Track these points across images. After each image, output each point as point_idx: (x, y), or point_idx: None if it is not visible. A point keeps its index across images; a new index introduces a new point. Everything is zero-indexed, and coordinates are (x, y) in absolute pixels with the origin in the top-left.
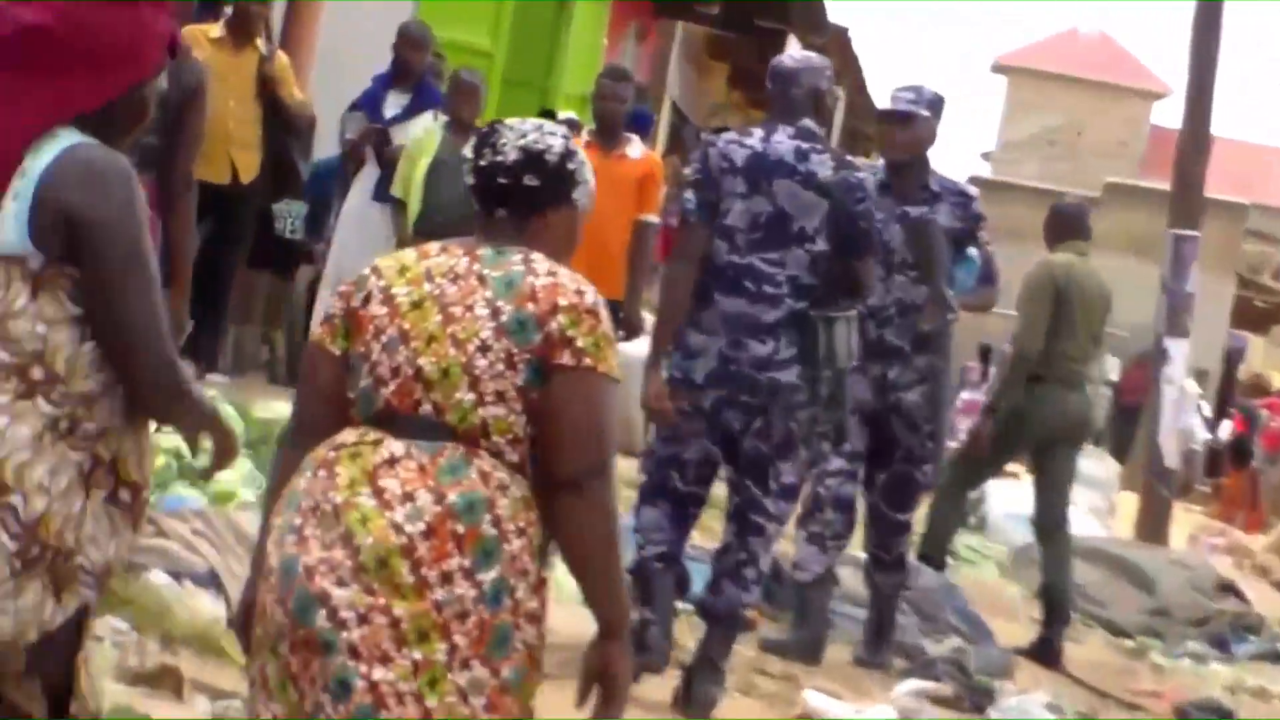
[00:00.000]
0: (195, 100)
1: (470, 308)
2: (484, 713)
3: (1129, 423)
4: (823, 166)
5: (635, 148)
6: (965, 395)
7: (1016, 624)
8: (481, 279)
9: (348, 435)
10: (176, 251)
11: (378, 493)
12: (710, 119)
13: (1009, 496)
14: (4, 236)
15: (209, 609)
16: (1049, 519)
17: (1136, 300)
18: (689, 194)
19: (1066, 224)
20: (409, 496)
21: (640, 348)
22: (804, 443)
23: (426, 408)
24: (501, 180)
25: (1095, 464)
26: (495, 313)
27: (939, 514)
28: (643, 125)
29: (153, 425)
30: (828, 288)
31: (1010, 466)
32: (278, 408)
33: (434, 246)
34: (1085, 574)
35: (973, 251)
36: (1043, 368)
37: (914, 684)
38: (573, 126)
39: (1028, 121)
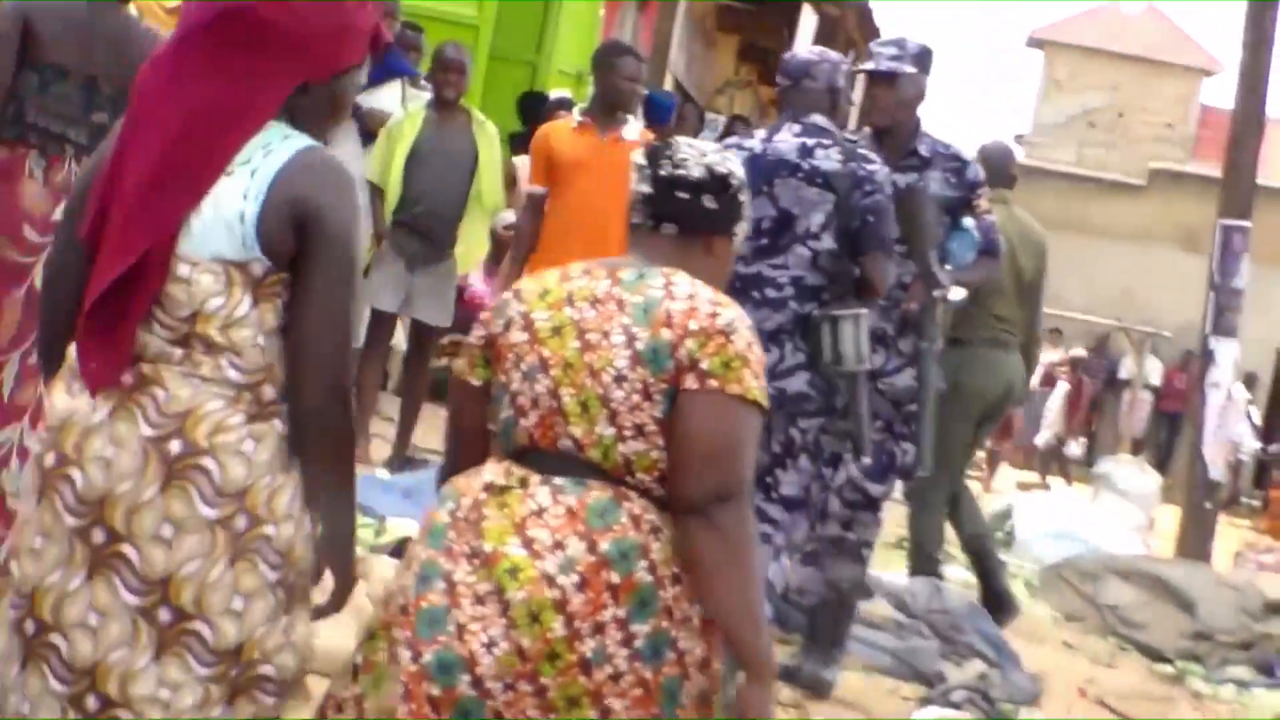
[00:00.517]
0: None
1: (607, 334)
2: None
3: (1171, 431)
4: (828, 160)
5: (631, 129)
6: None
7: (1045, 648)
8: (620, 304)
9: (493, 474)
10: None
11: (527, 543)
12: (717, 97)
13: (1037, 512)
14: (230, 237)
15: None
16: (960, 485)
17: (1182, 297)
18: None
19: (987, 171)
20: (559, 545)
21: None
22: (806, 451)
23: (567, 442)
24: (681, 195)
25: (1134, 475)
26: (630, 340)
27: (919, 523)
28: (665, 112)
29: None
30: (841, 288)
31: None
32: None
33: (578, 267)
34: (1121, 594)
35: (969, 222)
36: (968, 330)
37: (934, 712)
38: (565, 106)
39: (1065, 101)
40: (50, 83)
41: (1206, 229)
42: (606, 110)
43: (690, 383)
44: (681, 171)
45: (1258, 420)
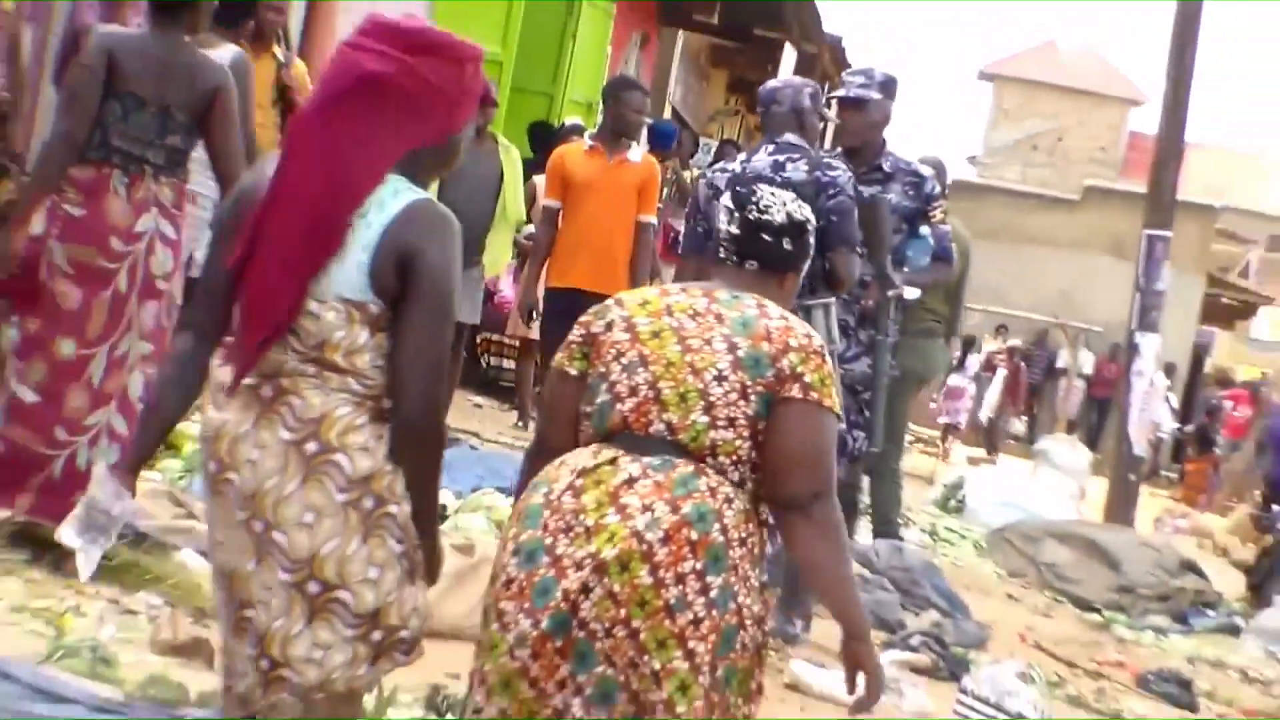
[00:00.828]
0: (218, 105)
1: (709, 341)
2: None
3: (1101, 413)
4: (797, 171)
5: (635, 152)
6: (951, 381)
7: (992, 600)
8: (719, 317)
9: (584, 458)
10: None
11: (620, 509)
12: (709, 124)
13: (986, 483)
14: (351, 281)
15: None
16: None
17: (1111, 297)
18: (683, 230)
19: None
20: (648, 508)
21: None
22: None
23: (659, 427)
24: (765, 237)
25: (1069, 451)
26: (732, 348)
27: (879, 491)
28: (667, 139)
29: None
30: (812, 281)
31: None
32: None
33: (674, 286)
34: (1057, 554)
35: (925, 230)
36: (905, 322)
37: (895, 654)
38: (577, 131)
39: (1012, 127)
40: (130, 111)
41: (1133, 238)
42: (614, 136)
43: (795, 392)
44: (767, 217)
45: (1175, 404)
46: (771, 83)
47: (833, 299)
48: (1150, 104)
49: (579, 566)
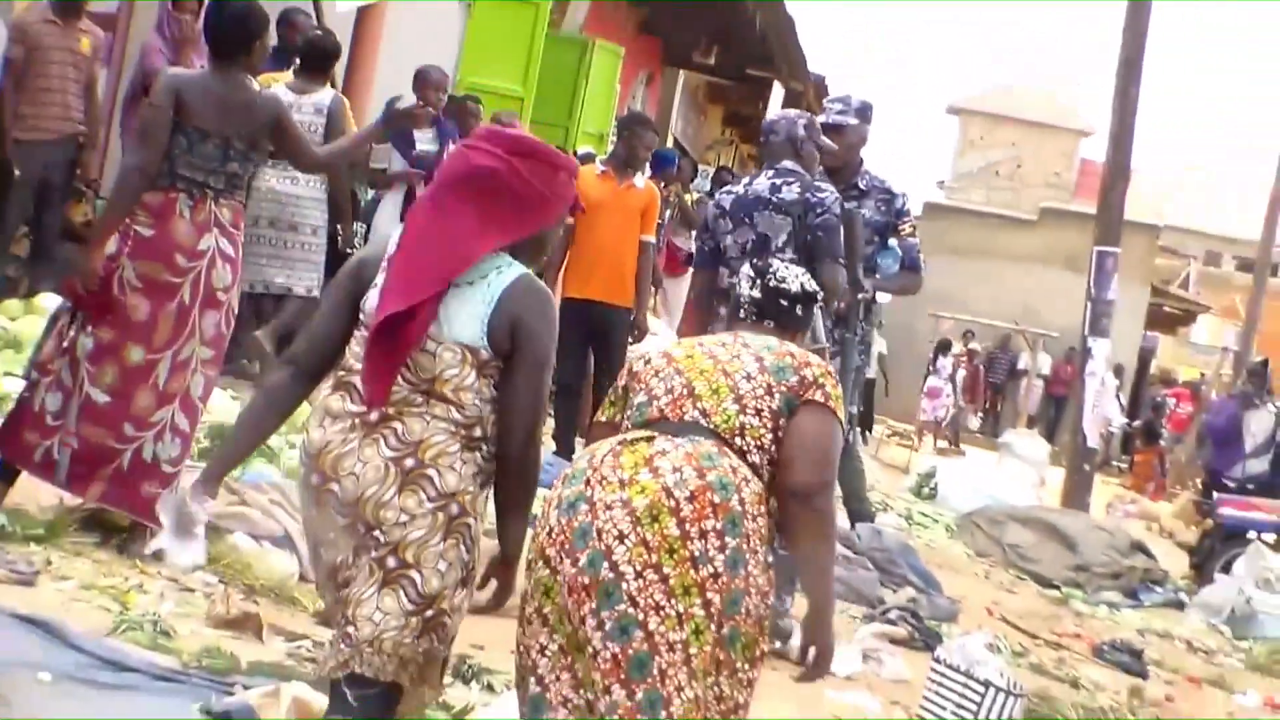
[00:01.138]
0: (278, 128)
1: (737, 356)
2: (696, 659)
3: (1058, 410)
4: (790, 192)
5: (640, 179)
6: (930, 382)
7: (962, 577)
8: (745, 345)
9: (625, 435)
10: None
11: (654, 470)
12: (707, 153)
13: (955, 472)
14: (468, 330)
15: (284, 565)
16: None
17: (1066, 306)
18: (695, 247)
19: None
20: (677, 469)
21: (645, 346)
22: None
23: (694, 414)
24: (782, 302)
25: (1029, 444)
26: (759, 359)
27: (843, 473)
28: (668, 165)
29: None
30: None
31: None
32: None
33: (705, 336)
34: (1020, 535)
35: (894, 242)
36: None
37: (875, 627)
38: (588, 159)
39: (976, 155)
40: (195, 143)
41: (1085, 254)
42: (623, 164)
43: (817, 396)
44: (785, 286)
45: (1124, 401)
46: (771, 115)
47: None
48: (1098, 134)
49: (610, 508)
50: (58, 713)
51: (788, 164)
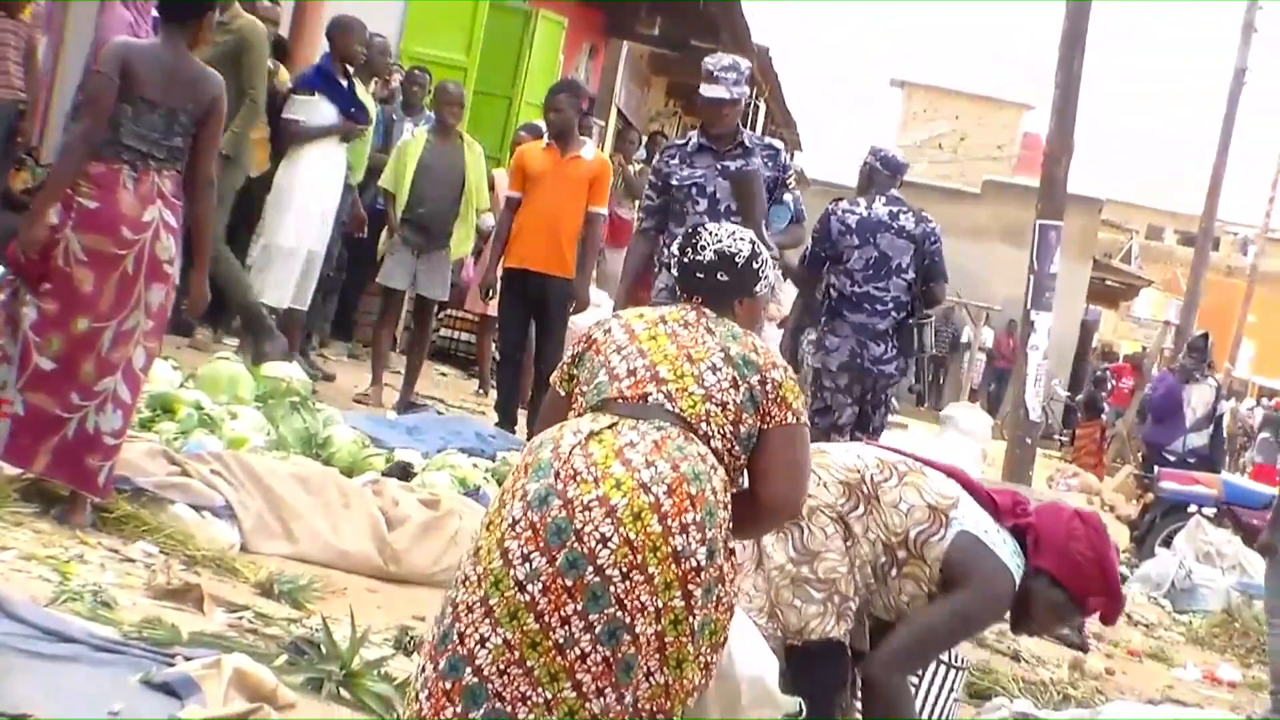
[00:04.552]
0: (214, 111)
1: (702, 342)
2: (671, 648)
3: (1000, 383)
4: (909, 221)
5: (588, 150)
6: None
7: None
8: (709, 329)
9: (585, 423)
10: (198, 236)
11: (625, 463)
12: (650, 124)
13: (898, 446)
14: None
15: (225, 536)
16: None
17: (1009, 279)
18: (807, 253)
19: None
20: (651, 463)
21: (588, 318)
22: (884, 405)
23: (658, 396)
24: (699, 275)
25: (972, 417)
26: (725, 350)
27: None
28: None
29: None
30: (913, 301)
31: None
32: (283, 369)
33: (666, 307)
34: None
35: (787, 197)
36: None
37: None
38: (534, 131)
39: (919, 128)
40: (142, 113)
41: (1027, 227)
42: (558, 135)
43: (787, 417)
44: (699, 257)
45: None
46: (897, 156)
47: (932, 316)
48: (1042, 108)
49: (588, 509)
50: None
51: (895, 193)
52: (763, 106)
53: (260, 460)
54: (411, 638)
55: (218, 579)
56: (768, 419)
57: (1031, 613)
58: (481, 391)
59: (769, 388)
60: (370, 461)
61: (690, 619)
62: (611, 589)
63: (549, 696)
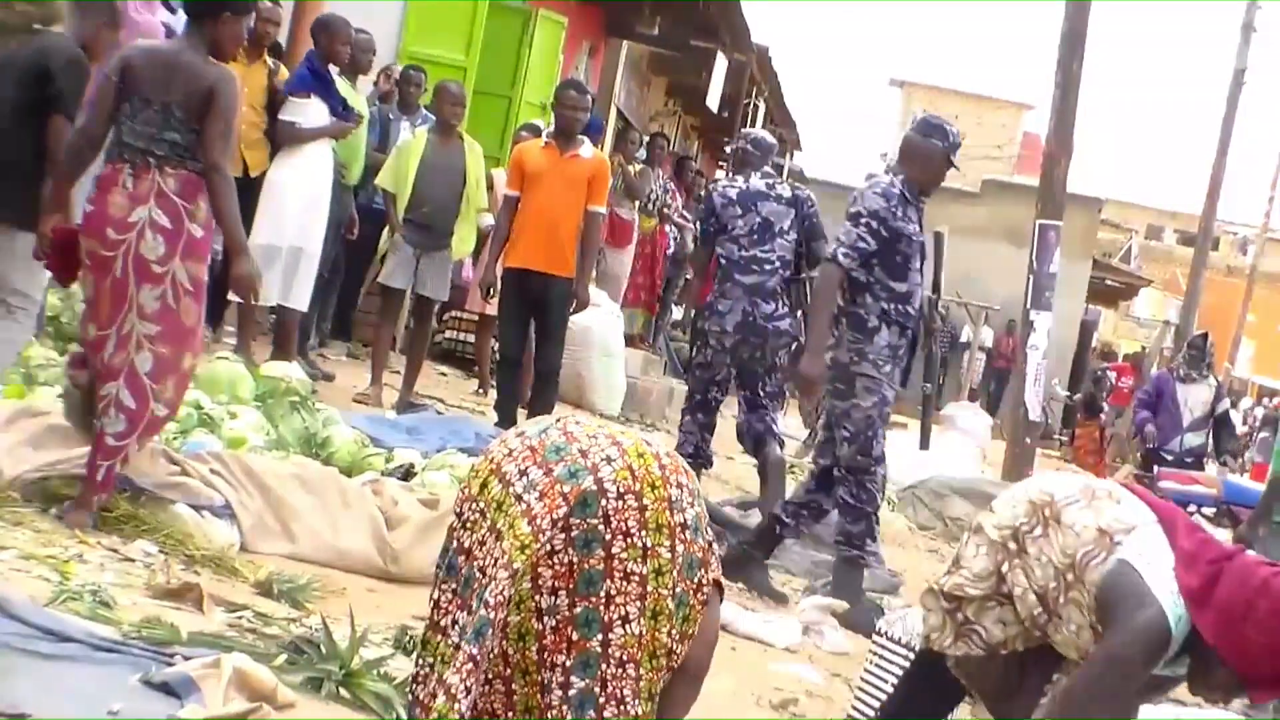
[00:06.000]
0: (213, 101)
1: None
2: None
3: (1000, 383)
4: (784, 190)
5: (586, 149)
6: None
7: (903, 550)
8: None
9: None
10: (222, 224)
11: (623, 435)
12: (650, 123)
13: (897, 445)
14: None
15: (225, 535)
16: None
17: (1009, 279)
18: (701, 226)
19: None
20: (650, 442)
21: (588, 318)
22: (780, 367)
23: None
24: None
25: (971, 417)
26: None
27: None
28: (594, 131)
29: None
30: (800, 261)
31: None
32: (283, 369)
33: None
34: (961, 508)
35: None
36: None
37: (816, 600)
38: (534, 131)
39: None
40: (138, 110)
41: (1027, 227)
42: (560, 134)
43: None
44: None
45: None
46: (767, 138)
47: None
48: (1041, 108)
49: (593, 436)
50: None
51: (768, 169)
52: (762, 106)
53: (260, 460)
54: (411, 637)
55: (217, 578)
56: None
57: (1205, 681)
58: (481, 391)
59: None
60: (370, 461)
61: (673, 575)
62: (604, 501)
63: None
